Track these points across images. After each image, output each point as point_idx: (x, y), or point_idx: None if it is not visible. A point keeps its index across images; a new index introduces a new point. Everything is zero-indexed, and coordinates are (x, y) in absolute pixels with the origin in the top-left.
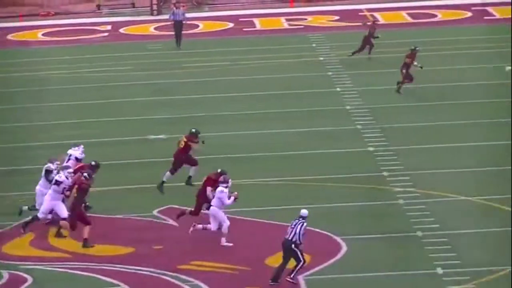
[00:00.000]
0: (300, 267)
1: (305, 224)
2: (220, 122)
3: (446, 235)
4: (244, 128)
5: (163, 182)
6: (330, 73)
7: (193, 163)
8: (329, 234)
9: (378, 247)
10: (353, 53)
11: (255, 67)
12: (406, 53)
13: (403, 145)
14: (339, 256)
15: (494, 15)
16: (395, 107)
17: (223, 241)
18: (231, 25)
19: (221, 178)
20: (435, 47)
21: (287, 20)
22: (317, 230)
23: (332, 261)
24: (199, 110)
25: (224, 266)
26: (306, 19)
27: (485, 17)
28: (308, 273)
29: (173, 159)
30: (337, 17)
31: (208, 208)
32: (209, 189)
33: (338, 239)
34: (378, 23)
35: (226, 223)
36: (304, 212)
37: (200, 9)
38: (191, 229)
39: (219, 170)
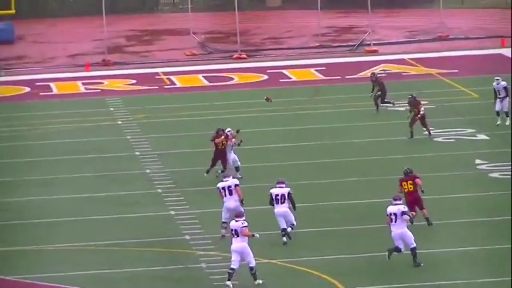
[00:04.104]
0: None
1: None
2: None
3: None
4: (38, 193)
5: None
6: (128, 136)
7: None
8: None
9: None
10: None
11: (53, 131)
12: None
13: (203, 208)
14: None
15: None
16: (195, 171)
17: None
18: (27, 89)
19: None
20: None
21: (84, 84)
22: None
23: None
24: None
25: None
26: (102, 82)
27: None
28: None
29: None
30: (133, 81)
31: None
32: None
33: None
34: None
35: None
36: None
37: None
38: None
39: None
